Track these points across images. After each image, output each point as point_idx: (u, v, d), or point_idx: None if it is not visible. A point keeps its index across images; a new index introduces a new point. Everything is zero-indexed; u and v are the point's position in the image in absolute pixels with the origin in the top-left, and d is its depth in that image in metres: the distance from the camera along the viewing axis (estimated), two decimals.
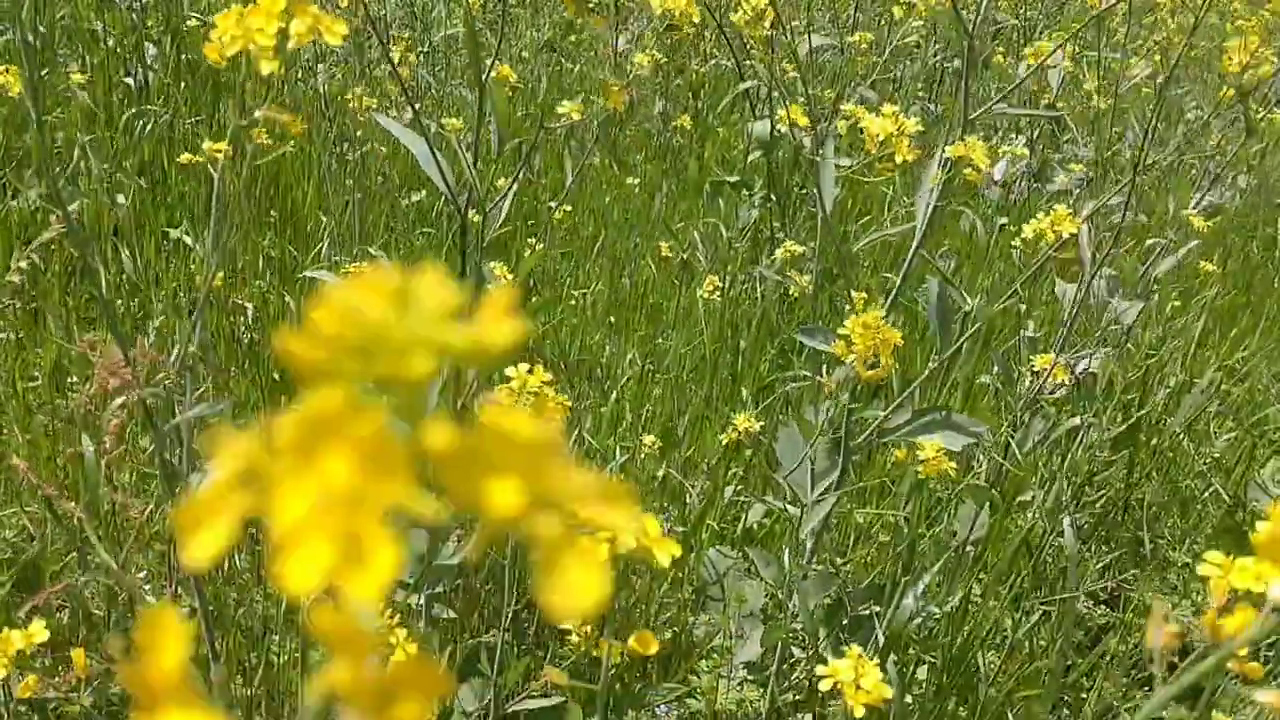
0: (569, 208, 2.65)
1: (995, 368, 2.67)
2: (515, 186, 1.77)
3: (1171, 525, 3.12)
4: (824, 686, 1.13)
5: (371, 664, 0.43)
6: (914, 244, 1.87)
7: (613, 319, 2.82)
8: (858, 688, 1.12)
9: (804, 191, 3.27)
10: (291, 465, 0.34)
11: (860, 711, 1.11)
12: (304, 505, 0.34)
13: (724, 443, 1.90)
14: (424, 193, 3.27)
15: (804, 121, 2.14)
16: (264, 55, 1.23)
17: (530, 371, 1.12)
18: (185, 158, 2.29)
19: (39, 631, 1.00)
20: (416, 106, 1.93)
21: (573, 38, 3.89)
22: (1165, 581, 2.96)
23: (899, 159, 1.83)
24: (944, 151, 1.86)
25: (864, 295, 2.08)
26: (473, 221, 1.87)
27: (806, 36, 3.07)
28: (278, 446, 0.34)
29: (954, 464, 1.88)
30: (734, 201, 3.51)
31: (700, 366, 2.54)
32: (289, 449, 0.34)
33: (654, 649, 0.98)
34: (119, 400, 1.07)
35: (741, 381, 2.44)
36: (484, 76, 1.80)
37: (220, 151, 1.19)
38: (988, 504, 2.21)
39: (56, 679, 1.04)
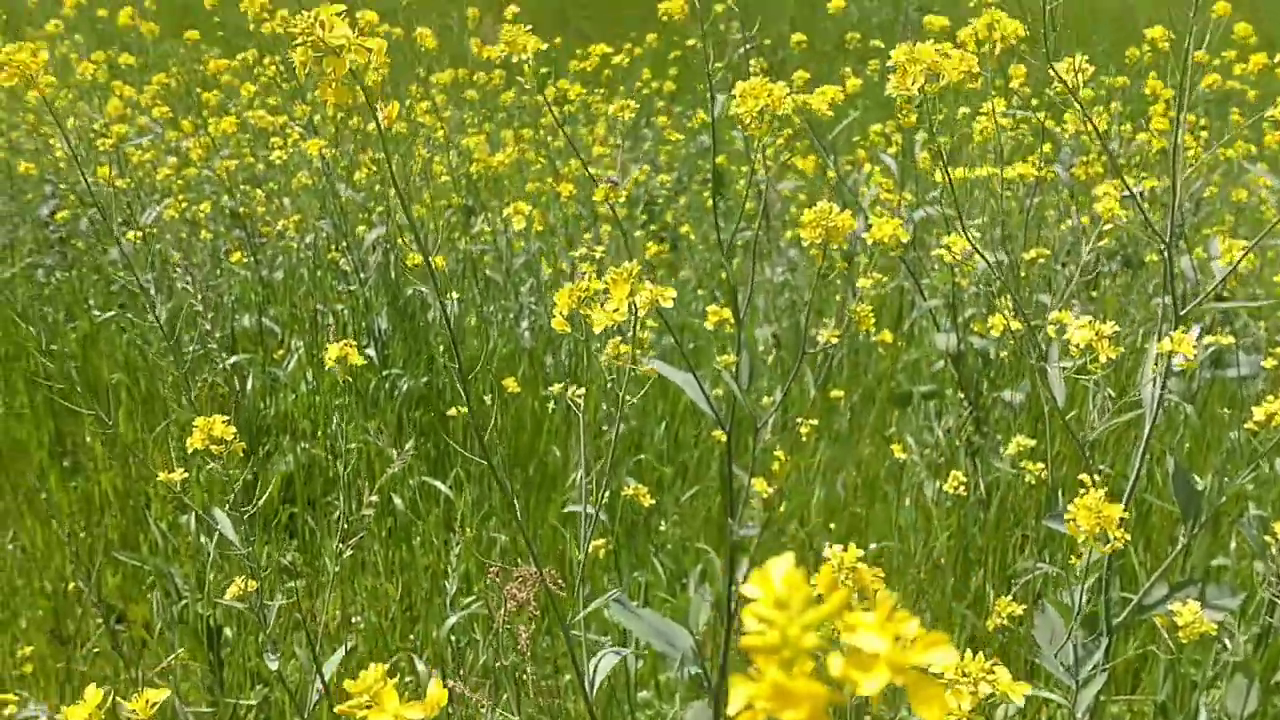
0: (814, 421, 2.88)
1: (1232, 544, 2.71)
2: (778, 405, 1.98)
3: None
4: None
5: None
6: (1146, 428, 2.00)
7: (832, 525, 2.97)
8: None
9: (997, 395, 3.41)
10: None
11: None
12: None
13: (990, 628, 2.00)
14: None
15: (1017, 326, 2.32)
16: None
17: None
18: (454, 411, 2.60)
19: None
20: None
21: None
22: None
23: (1103, 359, 2.00)
24: (1155, 344, 2.01)
25: (1091, 478, 2.18)
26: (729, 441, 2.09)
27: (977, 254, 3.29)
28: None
29: (1213, 628, 1.93)
30: (924, 411, 3.68)
31: (932, 569, 2.65)
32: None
33: None
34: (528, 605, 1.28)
35: (979, 576, 2.53)
36: (741, 314, 2.06)
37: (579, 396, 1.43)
38: (1255, 679, 2.22)
39: None
